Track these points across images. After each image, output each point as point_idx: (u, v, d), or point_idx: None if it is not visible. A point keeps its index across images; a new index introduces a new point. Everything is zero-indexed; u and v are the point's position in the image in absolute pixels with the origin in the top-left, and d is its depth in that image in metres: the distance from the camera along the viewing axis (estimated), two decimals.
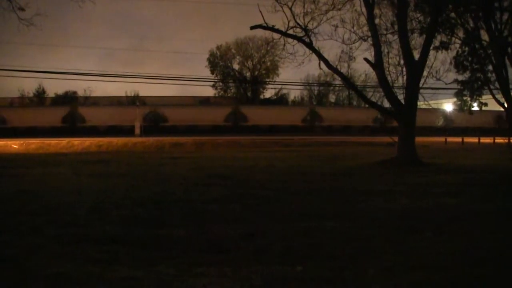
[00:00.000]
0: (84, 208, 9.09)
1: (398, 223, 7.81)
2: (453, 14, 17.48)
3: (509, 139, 15.29)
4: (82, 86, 66.29)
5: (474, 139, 43.88)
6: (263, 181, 13.70)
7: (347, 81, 25.45)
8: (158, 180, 14.09)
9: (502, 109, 16.37)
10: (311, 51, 20.36)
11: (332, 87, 72.92)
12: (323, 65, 20.59)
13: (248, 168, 18.23)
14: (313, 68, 71.38)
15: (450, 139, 43.82)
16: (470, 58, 16.63)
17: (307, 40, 20.00)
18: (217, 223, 7.82)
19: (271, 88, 76.84)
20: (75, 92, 67.12)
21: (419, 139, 22.31)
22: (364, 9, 19.84)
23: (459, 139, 43.42)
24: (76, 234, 6.99)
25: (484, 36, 16.08)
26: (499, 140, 37.73)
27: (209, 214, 8.68)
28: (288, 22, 19.80)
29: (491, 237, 6.84)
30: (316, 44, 20.36)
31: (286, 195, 11.15)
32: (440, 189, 12.09)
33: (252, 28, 20.32)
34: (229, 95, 76.15)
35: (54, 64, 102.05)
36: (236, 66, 75.68)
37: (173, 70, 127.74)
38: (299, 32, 20.11)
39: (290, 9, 19.62)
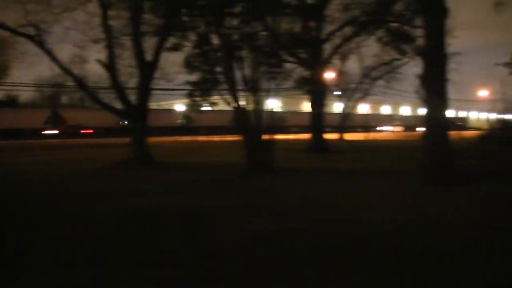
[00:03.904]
0: None
1: (141, 223, 7.63)
2: (185, 18, 17.90)
3: (239, 137, 16.27)
4: None
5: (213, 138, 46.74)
6: None
7: (80, 82, 24.29)
8: None
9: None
10: (43, 51, 19.42)
11: (65, 89, 69.73)
12: (56, 66, 19.79)
13: None
14: (46, 69, 67.29)
15: (185, 138, 45.88)
16: (200, 60, 17.19)
17: (39, 39, 19.04)
18: None
19: (1, 90, 70.38)
20: None
21: (152, 139, 22.70)
22: (98, 11, 19.37)
23: (193, 138, 45.65)
24: None
25: (215, 40, 16.84)
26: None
27: None
28: (20, 20, 18.74)
29: (229, 232, 6.97)
30: (50, 44, 19.65)
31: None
32: (176, 187, 12.27)
33: None
34: None
35: None
36: None
37: None
38: (31, 31, 18.99)
39: (22, 6, 18.51)
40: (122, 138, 28.88)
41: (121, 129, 54.91)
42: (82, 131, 60.66)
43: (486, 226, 7.23)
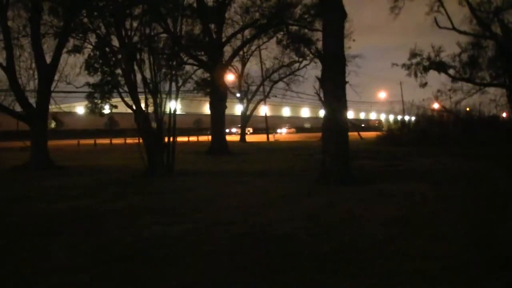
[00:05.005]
0: None
1: (35, 228, 7.59)
2: (86, 19, 17.70)
3: (139, 140, 16.26)
4: None
5: (106, 141, 45.68)
6: None
7: None
8: None
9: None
10: None
11: None
12: None
13: None
14: None
15: (82, 141, 44.71)
16: (100, 61, 17.04)
17: None
18: None
19: None
20: None
21: (52, 143, 22.15)
22: None
23: (91, 141, 44.59)
24: None
25: (115, 41, 16.77)
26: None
27: None
28: None
29: (125, 232, 7.19)
30: None
31: None
32: (76, 191, 12.13)
33: None
34: None
35: None
36: None
37: None
38: None
39: None
40: None
41: None
42: None
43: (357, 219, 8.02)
